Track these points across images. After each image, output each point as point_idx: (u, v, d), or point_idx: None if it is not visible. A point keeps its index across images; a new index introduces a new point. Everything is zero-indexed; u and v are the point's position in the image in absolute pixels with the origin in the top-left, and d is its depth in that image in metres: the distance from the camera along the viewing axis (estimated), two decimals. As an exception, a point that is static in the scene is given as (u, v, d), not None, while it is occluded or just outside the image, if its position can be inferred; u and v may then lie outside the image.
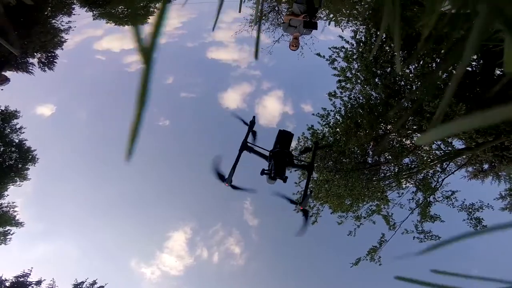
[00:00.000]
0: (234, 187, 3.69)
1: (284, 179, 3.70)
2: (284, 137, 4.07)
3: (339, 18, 10.49)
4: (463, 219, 8.07)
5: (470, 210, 8.00)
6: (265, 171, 3.76)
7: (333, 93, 7.63)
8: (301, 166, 4.27)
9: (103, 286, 14.87)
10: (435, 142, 7.76)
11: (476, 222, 7.94)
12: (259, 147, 4.01)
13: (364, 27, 7.58)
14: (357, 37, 7.30)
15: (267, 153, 3.98)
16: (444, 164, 8.16)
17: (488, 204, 8.05)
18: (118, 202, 24.66)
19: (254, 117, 4.10)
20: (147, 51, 0.26)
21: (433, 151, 8.03)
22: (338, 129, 7.76)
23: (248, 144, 3.94)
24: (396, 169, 8.23)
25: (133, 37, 0.25)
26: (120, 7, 15.88)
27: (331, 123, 7.83)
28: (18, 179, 13.98)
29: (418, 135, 7.80)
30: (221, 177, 3.64)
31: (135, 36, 0.25)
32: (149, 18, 17.11)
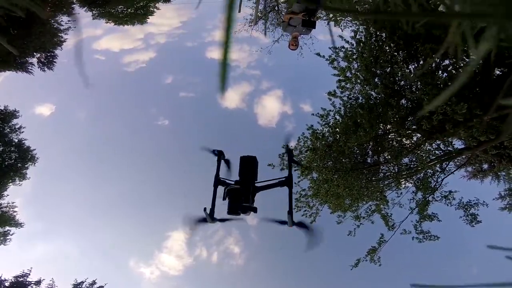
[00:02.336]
0: (222, 220, 3.57)
1: (254, 210, 3.52)
2: (246, 164, 3.72)
3: (338, 18, 10.48)
4: (460, 216, 8.12)
5: (467, 207, 8.03)
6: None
7: (332, 93, 7.60)
8: (277, 184, 3.67)
9: (103, 286, 14.87)
10: (435, 141, 7.75)
11: (472, 218, 7.98)
12: (233, 181, 3.76)
13: (364, 27, 7.56)
14: (357, 37, 7.28)
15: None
16: (444, 164, 8.16)
17: (483, 201, 8.09)
18: (118, 202, 24.67)
19: (221, 151, 3.92)
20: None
21: (433, 151, 8.02)
22: (337, 129, 7.74)
23: (221, 179, 3.74)
24: (396, 169, 8.22)
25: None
26: (119, 6, 15.85)
27: (331, 123, 7.81)
28: (17, 178, 13.96)
29: (418, 134, 7.80)
30: (203, 220, 3.54)
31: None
32: (148, 18, 17.08)
